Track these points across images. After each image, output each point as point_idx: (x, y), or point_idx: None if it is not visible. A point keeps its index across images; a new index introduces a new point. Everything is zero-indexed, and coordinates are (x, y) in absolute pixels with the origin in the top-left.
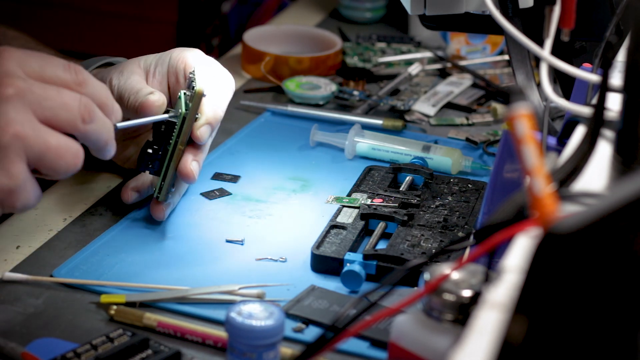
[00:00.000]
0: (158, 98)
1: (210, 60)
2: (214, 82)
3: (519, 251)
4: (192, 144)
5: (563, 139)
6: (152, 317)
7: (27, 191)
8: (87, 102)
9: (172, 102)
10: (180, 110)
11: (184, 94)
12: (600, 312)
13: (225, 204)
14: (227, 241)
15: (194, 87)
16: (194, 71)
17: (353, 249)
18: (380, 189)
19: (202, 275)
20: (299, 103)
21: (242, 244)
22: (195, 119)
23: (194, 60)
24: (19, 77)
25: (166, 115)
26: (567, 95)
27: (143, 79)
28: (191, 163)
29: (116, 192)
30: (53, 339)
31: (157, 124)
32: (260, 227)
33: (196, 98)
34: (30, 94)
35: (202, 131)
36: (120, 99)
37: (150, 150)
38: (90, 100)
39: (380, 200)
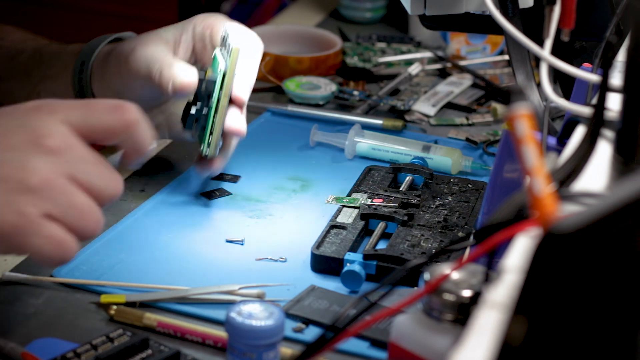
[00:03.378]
0: (191, 80)
1: (237, 23)
2: (247, 41)
3: (519, 251)
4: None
5: (563, 139)
6: (152, 317)
7: (41, 235)
8: (118, 180)
9: (204, 66)
10: (220, 68)
11: (220, 50)
12: (600, 312)
13: (225, 204)
14: (227, 241)
15: (229, 44)
16: (226, 30)
17: (353, 249)
18: (380, 189)
19: (202, 275)
20: (299, 103)
21: (242, 244)
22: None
23: (222, 23)
24: (63, 133)
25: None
26: (567, 95)
27: (169, 49)
28: (238, 119)
29: None
30: (53, 339)
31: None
32: (260, 227)
33: (234, 54)
34: (69, 153)
35: (244, 91)
36: (148, 68)
37: (193, 111)
38: (121, 179)
39: (380, 200)
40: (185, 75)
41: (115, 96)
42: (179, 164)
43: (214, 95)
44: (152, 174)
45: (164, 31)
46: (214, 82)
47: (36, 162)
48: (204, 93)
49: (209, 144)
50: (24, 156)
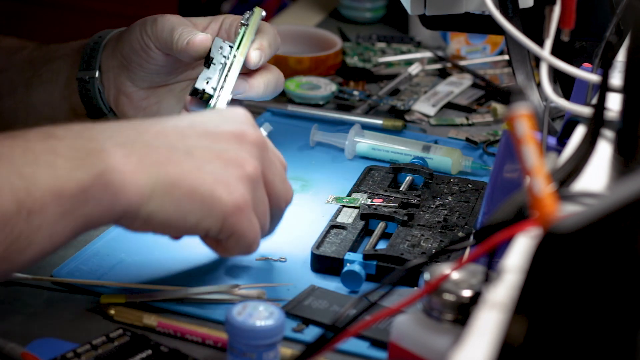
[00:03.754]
0: (204, 38)
1: (271, 28)
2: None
3: (519, 251)
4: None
5: (563, 139)
6: (152, 317)
7: (251, 221)
8: (291, 190)
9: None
10: (240, 30)
11: (242, 24)
12: (600, 312)
13: None
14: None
15: (253, 10)
16: (251, 13)
17: (353, 249)
18: (380, 189)
19: (202, 275)
20: (299, 103)
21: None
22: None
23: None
24: (259, 132)
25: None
26: (567, 95)
27: (195, 28)
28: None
29: None
30: (53, 339)
31: (213, 54)
32: None
33: (256, 16)
34: (265, 150)
35: (255, 54)
36: (171, 32)
37: (208, 67)
38: (292, 191)
39: (380, 200)
40: (200, 36)
41: (123, 63)
42: None
43: (232, 52)
44: None
45: (195, 18)
46: (229, 45)
47: (246, 153)
48: (219, 55)
49: (217, 98)
50: (236, 147)
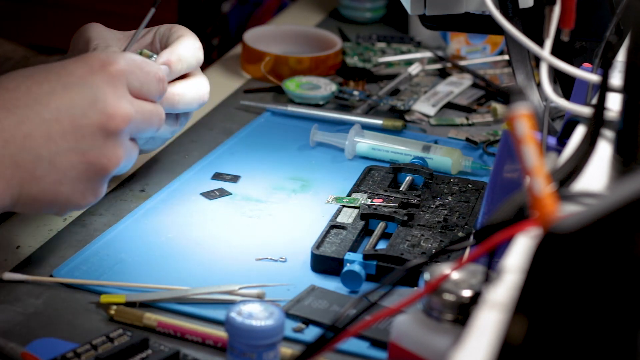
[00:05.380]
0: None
1: (191, 41)
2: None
3: (519, 251)
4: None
5: (563, 139)
6: (152, 317)
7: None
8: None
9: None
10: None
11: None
12: (600, 312)
13: (225, 204)
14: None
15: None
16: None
17: (353, 249)
18: (380, 189)
19: (202, 275)
20: (299, 103)
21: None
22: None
23: (186, 32)
24: (127, 109)
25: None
26: (567, 95)
27: (118, 36)
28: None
29: (116, 192)
30: (53, 339)
31: None
32: (260, 227)
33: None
34: (134, 115)
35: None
36: (86, 43)
37: None
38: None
39: (380, 200)
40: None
41: None
42: (178, 164)
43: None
44: (152, 174)
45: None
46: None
47: (110, 149)
48: None
49: None
50: (100, 144)
